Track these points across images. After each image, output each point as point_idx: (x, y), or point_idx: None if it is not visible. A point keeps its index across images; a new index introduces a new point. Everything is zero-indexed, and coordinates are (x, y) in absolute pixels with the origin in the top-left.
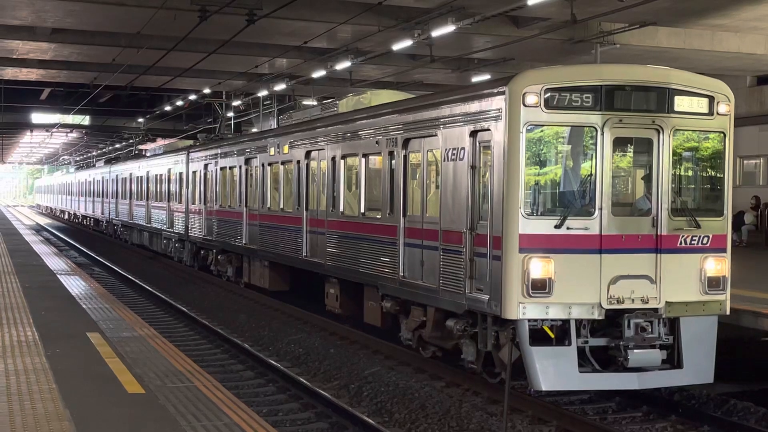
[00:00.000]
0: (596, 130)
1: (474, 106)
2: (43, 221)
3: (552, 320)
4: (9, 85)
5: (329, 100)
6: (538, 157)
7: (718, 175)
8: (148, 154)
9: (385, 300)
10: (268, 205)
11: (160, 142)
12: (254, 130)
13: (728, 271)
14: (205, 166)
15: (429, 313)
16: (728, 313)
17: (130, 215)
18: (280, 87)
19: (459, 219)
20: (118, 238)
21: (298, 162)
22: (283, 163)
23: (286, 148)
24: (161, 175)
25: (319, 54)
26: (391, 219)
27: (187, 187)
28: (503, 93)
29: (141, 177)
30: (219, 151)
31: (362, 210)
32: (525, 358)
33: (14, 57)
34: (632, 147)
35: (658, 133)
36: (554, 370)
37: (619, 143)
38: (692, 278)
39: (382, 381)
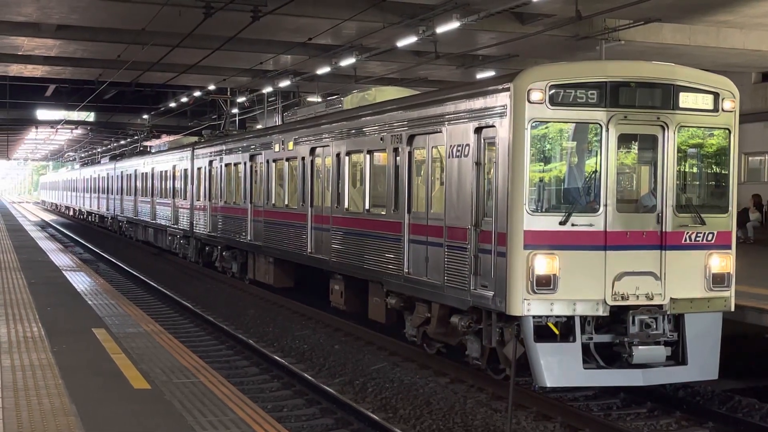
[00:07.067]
0: (601, 127)
1: (479, 103)
2: (49, 217)
3: (557, 317)
4: (14, 81)
5: (334, 97)
6: (542, 153)
7: (723, 171)
8: (152, 151)
9: (389, 296)
10: (273, 202)
11: (165, 138)
12: (259, 126)
13: (733, 268)
14: (210, 162)
15: (434, 310)
16: (733, 309)
17: (135, 212)
18: (284, 83)
19: (464, 215)
20: (123, 234)
21: (303, 158)
22: (287, 159)
23: (290, 145)
24: (166, 171)
25: (323, 50)
26: (396, 215)
27: (192, 184)
28: (508, 89)
29: (146, 173)
30: (224, 147)
31: (367, 206)
32: (530, 354)
33: (19, 53)
34: (637, 143)
35: (663, 129)
36: (559, 367)
37: (624, 140)
38: (697, 275)
39: (387, 377)
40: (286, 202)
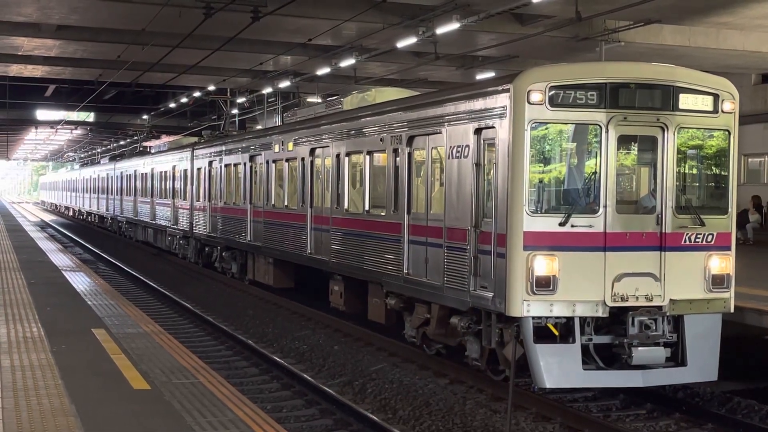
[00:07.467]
0: (601, 128)
1: (479, 104)
2: (48, 218)
3: (556, 318)
4: (14, 81)
5: (334, 98)
6: (542, 154)
7: (723, 173)
8: (152, 151)
9: (389, 297)
10: (273, 202)
11: (165, 139)
12: (259, 127)
13: (732, 269)
14: (210, 163)
15: (433, 311)
16: (732, 311)
17: (134, 212)
18: (284, 84)
19: (463, 216)
20: (122, 234)
21: (303, 159)
22: (287, 160)
23: (290, 146)
24: (166, 172)
25: (323, 51)
26: (396, 216)
27: (192, 184)
28: (508, 90)
29: (145, 174)
30: (223, 148)
31: (367, 207)
32: (529, 355)
33: (19, 54)
34: (637, 145)
35: (663, 130)
36: (558, 368)
37: (624, 141)
38: (696, 276)
39: (386, 378)
40: (286, 203)
